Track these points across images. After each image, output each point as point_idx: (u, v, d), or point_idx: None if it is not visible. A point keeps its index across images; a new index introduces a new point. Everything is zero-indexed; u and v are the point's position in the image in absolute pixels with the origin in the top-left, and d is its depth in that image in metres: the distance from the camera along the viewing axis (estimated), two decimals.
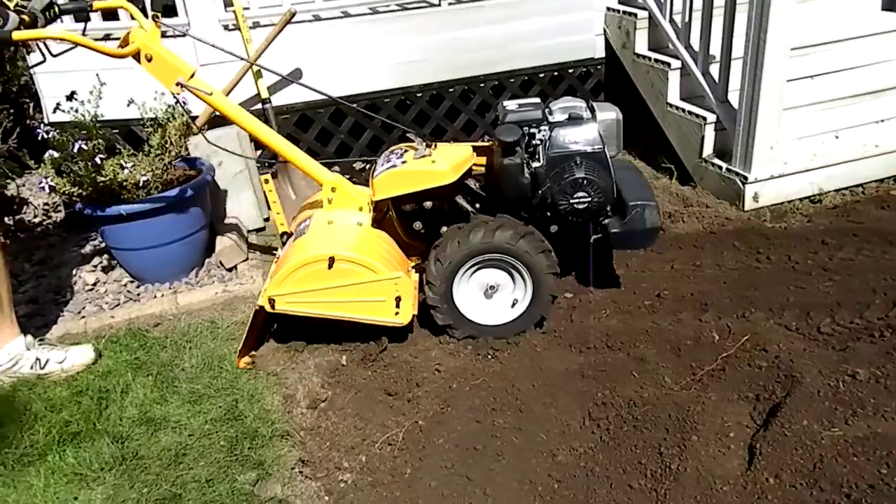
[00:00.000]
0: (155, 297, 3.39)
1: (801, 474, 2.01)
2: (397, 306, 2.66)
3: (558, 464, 2.24)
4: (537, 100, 2.90)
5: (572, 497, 2.12)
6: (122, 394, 2.70)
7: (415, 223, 2.84)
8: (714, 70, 3.79)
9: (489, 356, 2.74)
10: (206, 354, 2.90)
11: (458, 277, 2.71)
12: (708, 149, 3.84)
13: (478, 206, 2.88)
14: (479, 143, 2.98)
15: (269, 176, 2.84)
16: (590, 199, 2.70)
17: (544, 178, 2.72)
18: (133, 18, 2.77)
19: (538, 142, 2.74)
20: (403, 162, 2.74)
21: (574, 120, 2.76)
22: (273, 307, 2.63)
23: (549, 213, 2.78)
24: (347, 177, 2.99)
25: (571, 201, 2.71)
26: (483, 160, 2.99)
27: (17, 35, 2.34)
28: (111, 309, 3.32)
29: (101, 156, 3.12)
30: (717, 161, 3.78)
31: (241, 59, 3.31)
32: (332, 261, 2.57)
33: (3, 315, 2.76)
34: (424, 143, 2.79)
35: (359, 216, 2.83)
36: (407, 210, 2.81)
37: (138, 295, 3.43)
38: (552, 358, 2.66)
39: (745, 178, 3.59)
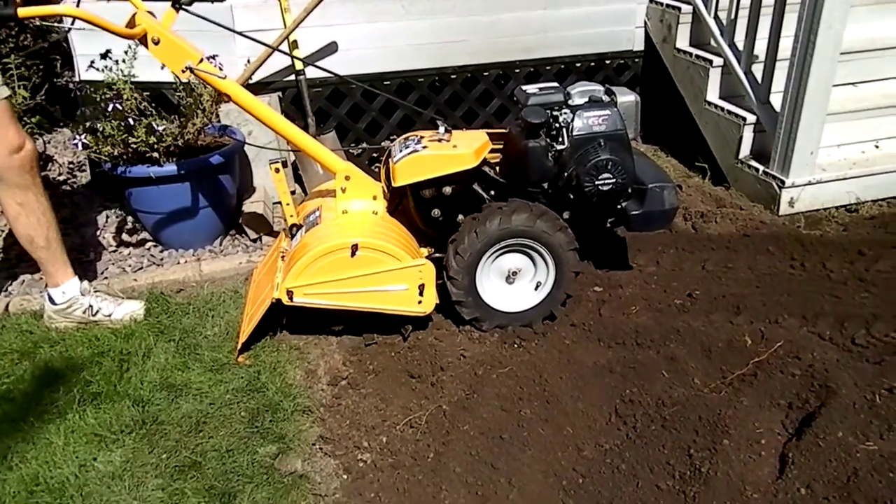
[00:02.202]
0: (178, 262, 3.37)
1: (834, 487, 1.97)
2: (420, 294, 2.62)
3: (584, 458, 2.20)
4: (556, 84, 2.87)
5: (598, 493, 2.09)
6: (144, 357, 2.67)
7: (433, 210, 2.79)
8: (757, 70, 3.72)
9: (516, 345, 2.70)
10: (229, 323, 2.87)
11: (480, 268, 2.68)
12: (745, 150, 3.77)
13: (492, 192, 2.84)
14: (492, 130, 2.95)
15: (279, 165, 2.73)
16: (614, 180, 2.68)
17: (568, 160, 2.70)
18: None
19: (560, 125, 2.71)
20: (424, 147, 2.69)
21: (595, 103, 2.75)
22: (291, 299, 2.58)
23: (571, 196, 2.75)
24: None
25: (596, 183, 2.68)
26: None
27: (22, 12, 2.28)
28: (134, 272, 3.30)
29: (133, 117, 3.09)
30: (753, 163, 3.72)
31: (226, 27, 3.25)
32: (355, 248, 2.53)
33: (56, 256, 2.80)
34: (444, 129, 2.74)
35: (374, 205, 2.79)
36: (426, 197, 2.76)
37: (161, 260, 3.41)
38: (581, 351, 2.61)
39: (783, 182, 3.53)
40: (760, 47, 3.67)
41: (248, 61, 3.69)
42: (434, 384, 2.54)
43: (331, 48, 3.94)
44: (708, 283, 3.03)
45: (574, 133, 2.67)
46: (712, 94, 3.97)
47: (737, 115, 3.76)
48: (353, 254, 2.55)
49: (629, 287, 3.02)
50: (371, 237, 2.59)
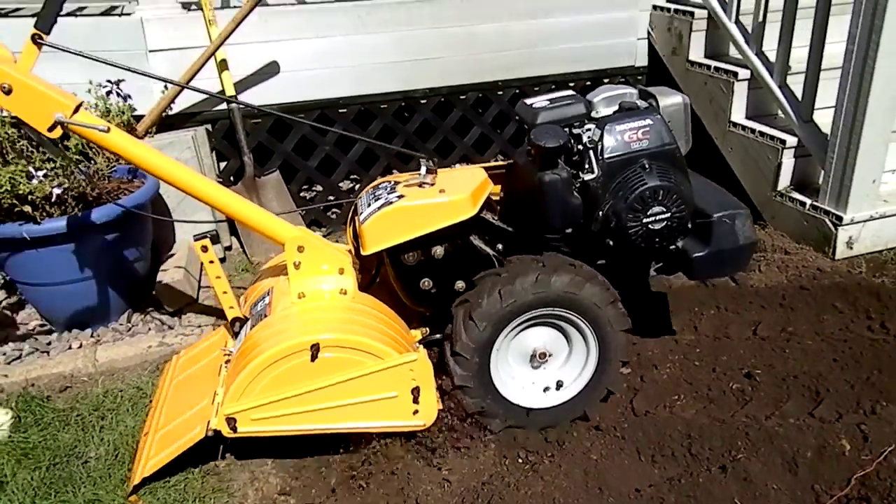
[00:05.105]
0: (70, 347, 2.58)
1: None
2: (415, 401, 1.87)
3: None
4: (571, 91, 2.15)
5: None
6: None
7: (422, 280, 2.04)
8: (793, 83, 3.04)
9: (520, 460, 1.93)
10: (121, 439, 2.09)
11: (498, 344, 1.94)
12: (785, 180, 3.07)
13: (500, 247, 2.11)
14: (491, 164, 2.25)
15: (206, 241, 2.02)
16: (668, 214, 1.97)
17: (601, 193, 1.97)
18: None
19: (585, 145, 1.99)
20: (400, 196, 1.95)
21: (629, 111, 2.02)
22: (234, 429, 1.82)
23: (610, 241, 2.01)
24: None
25: (644, 220, 1.96)
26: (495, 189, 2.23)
27: None
28: (9, 363, 2.49)
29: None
30: (797, 195, 3.02)
31: None
32: (315, 349, 1.78)
33: None
34: (426, 169, 2.00)
35: (341, 281, 2.02)
36: (410, 263, 2.01)
37: (48, 344, 2.61)
38: (616, 472, 1.84)
39: (839, 218, 2.82)
40: (796, 56, 3.01)
41: (166, 88, 2.94)
42: None
43: (271, 69, 3.20)
44: (768, 357, 2.29)
45: (605, 155, 1.95)
46: (738, 114, 3.28)
47: (772, 138, 3.07)
48: (313, 357, 1.79)
49: (666, 366, 2.27)
50: (337, 331, 1.84)
